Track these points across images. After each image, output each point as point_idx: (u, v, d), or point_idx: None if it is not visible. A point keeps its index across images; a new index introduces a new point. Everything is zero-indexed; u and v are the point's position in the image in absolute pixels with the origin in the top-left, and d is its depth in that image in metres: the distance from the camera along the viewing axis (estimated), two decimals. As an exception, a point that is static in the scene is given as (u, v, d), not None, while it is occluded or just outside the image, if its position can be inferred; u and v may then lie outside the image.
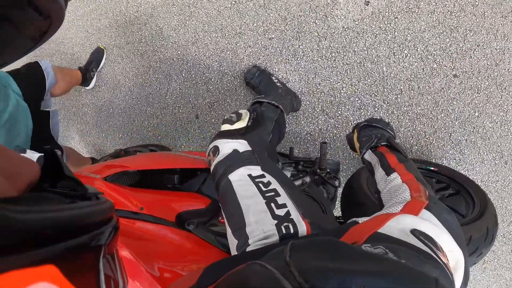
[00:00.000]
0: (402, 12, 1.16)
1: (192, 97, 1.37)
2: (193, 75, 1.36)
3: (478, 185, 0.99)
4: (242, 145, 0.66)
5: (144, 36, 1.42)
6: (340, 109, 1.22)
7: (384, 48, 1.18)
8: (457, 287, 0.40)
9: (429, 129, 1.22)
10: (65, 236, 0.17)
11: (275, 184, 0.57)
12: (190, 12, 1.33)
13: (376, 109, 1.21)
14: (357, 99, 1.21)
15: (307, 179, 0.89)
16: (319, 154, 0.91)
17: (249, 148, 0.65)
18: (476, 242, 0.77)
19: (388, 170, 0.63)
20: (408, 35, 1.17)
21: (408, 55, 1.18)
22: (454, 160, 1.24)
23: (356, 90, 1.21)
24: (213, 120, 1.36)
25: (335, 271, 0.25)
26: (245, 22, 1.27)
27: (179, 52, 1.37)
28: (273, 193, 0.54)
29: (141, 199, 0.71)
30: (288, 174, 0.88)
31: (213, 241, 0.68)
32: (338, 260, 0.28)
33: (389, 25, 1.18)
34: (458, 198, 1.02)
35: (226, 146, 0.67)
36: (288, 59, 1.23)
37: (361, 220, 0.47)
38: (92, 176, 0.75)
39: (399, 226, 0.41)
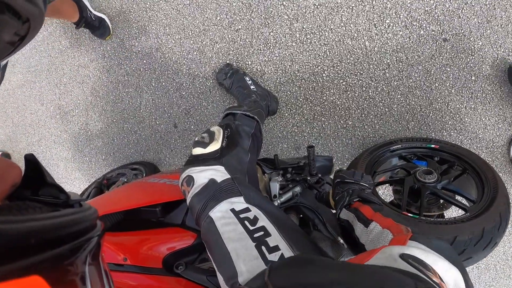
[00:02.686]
0: None
1: (167, 106, 1.19)
2: (163, 83, 1.18)
3: (484, 161, 0.83)
4: (219, 173, 0.55)
5: (106, 50, 1.23)
6: (325, 95, 1.03)
7: (363, 21, 0.99)
8: None
9: (424, 101, 1.04)
10: (49, 245, 0.16)
11: (263, 220, 0.47)
12: (149, 16, 1.14)
13: (364, 88, 1.02)
14: (341, 81, 1.02)
15: (298, 189, 0.73)
16: (307, 157, 0.74)
17: (228, 176, 0.54)
18: (489, 234, 0.65)
19: (366, 222, 0.55)
20: (388, 2, 0.97)
21: (391, 24, 0.99)
22: (455, 130, 1.06)
23: (339, 71, 1.02)
24: (192, 127, 1.18)
25: (305, 285, 0.26)
26: (207, 17, 1.07)
27: (144, 61, 1.18)
28: (262, 233, 0.46)
29: (124, 246, 0.60)
30: (277, 185, 0.72)
31: (204, 282, 0.57)
32: (314, 273, 0.28)
33: (365, -7, 0.97)
34: (466, 179, 0.86)
35: (202, 176, 0.55)
36: (260, 49, 1.04)
37: (348, 258, 0.43)
38: None
39: (386, 255, 0.37)
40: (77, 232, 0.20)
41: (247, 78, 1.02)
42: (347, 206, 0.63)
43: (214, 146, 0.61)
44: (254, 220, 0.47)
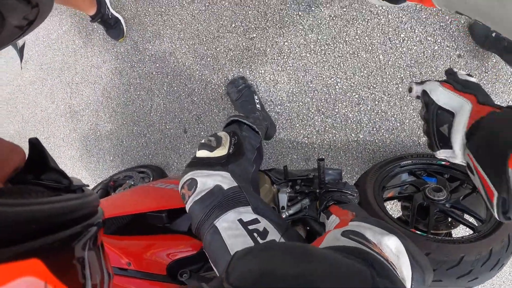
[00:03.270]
0: None
1: (178, 111, 1.18)
2: (175, 88, 1.17)
3: None
4: (226, 180, 0.51)
5: (119, 52, 1.22)
6: (337, 107, 1.02)
7: (378, 34, 0.97)
8: (406, 269, 0.37)
9: (435, 117, 1.01)
10: (50, 229, 0.16)
11: (272, 233, 0.44)
12: (163, 20, 1.12)
13: (376, 102, 1.01)
14: (354, 93, 1.00)
15: (307, 201, 0.72)
16: (317, 170, 0.73)
17: (235, 184, 0.51)
18: (497, 255, 0.64)
19: (329, 216, 0.56)
20: (403, 17, 0.96)
21: (406, 38, 0.97)
22: (465, 147, 1.03)
23: (352, 84, 1.00)
24: (202, 133, 1.16)
25: (258, 272, 0.25)
26: (222, 24, 1.06)
27: (157, 65, 1.17)
28: None
29: (129, 251, 0.58)
30: (285, 196, 0.70)
31: None
32: (272, 261, 0.28)
33: (381, 7, 0.96)
34: (475, 198, 0.84)
35: (206, 181, 0.51)
36: (274, 59, 1.03)
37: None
38: None
39: (331, 237, 0.39)
40: (79, 218, 0.19)
41: (256, 97, 1.01)
42: (324, 210, 0.62)
43: (221, 152, 0.58)
44: (264, 233, 0.44)
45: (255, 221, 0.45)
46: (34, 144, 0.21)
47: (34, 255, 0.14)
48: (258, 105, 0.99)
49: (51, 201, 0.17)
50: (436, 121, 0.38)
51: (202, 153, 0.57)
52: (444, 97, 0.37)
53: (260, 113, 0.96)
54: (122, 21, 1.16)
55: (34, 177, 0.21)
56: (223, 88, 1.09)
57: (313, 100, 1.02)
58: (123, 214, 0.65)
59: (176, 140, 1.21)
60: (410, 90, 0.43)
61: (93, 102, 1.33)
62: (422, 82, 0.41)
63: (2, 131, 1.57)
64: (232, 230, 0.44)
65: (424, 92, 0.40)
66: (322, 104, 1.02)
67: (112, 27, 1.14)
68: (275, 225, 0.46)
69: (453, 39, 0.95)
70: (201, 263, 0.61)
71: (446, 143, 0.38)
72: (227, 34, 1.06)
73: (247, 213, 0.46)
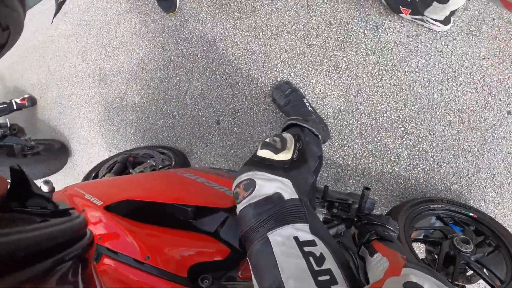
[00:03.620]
0: (462, 33, 0.91)
1: (215, 100, 1.13)
2: (218, 76, 1.11)
3: None
4: (287, 189, 0.47)
5: (167, 26, 1.16)
6: (380, 135, 0.98)
7: (438, 72, 0.94)
8: None
9: (473, 167, 0.99)
10: (39, 256, 0.16)
11: (329, 260, 0.40)
12: (221, 4, 1.07)
13: (420, 139, 0.97)
14: (400, 125, 0.97)
15: (343, 227, 0.69)
16: (360, 198, 0.69)
17: (296, 196, 0.47)
18: None
19: (373, 254, 0.53)
20: (466, 61, 0.93)
21: (463, 83, 0.94)
22: (493, 204, 1.02)
23: (401, 115, 0.97)
24: (235, 128, 1.12)
25: None
26: (282, 23, 1.01)
27: (204, 48, 1.11)
28: (328, 277, 0.39)
29: (149, 242, 0.53)
30: (321, 217, 0.68)
31: None
32: None
33: (446, 46, 0.93)
34: (498, 256, 0.83)
35: (266, 185, 0.48)
36: (329, 71, 0.99)
37: None
38: (93, 201, 0.57)
39: (391, 286, 0.37)
40: (67, 242, 0.19)
41: (305, 100, 0.96)
42: (365, 244, 0.60)
43: (285, 156, 0.53)
44: (320, 259, 0.40)
45: (312, 243, 0.41)
46: (16, 170, 0.21)
47: (26, 284, 0.14)
48: (310, 108, 0.94)
49: (37, 228, 0.17)
50: None
51: (265, 153, 0.53)
52: None
53: (316, 116, 0.91)
54: None
55: (18, 204, 0.21)
56: (269, 88, 1.05)
57: (358, 122, 0.99)
58: (152, 200, 0.60)
59: (206, 129, 1.16)
60: None
61: (126, 70, 1.27)
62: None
63: (25, 78, 1.49)
64: (286, 247, 0.41)
65: None
66: (366, 128, 0.99)
67: None
68: (332, 251, 0.42)
69: (507, 94, 0.93)
70: (224, 271, 0.56)
71: None
72: (286, 34, 1.01)
73: (304, 232, 0.43)
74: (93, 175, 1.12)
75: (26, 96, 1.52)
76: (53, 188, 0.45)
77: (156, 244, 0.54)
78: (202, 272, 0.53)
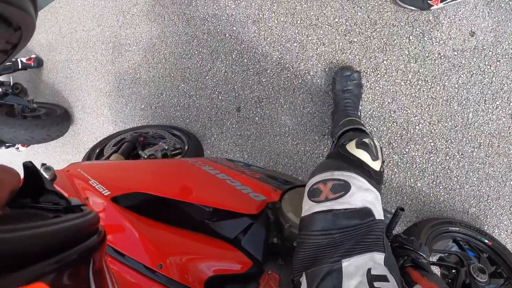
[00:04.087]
0: (507, 56, 0.86)
1: (238, 85, 1.04)
2: (245, 60, 1.03)
3: None
4: (377, 205, 0.41)
5: (196, -2, 1.06)
6: (409, 147, 0.92)
7: (477, 92, 0.89)
8: None
9: (493, 193, 0.96)
10: (52, 252, 0.16)
11: None
12: (260, -17, 0.97)
13: (448, 157, 0.92)
14: (430, 141, 0.92)
15: None
16: (392, 217, 0.64)
17: (382, 217, 0.40)
18: None
19: (410, 285, 0.46)
20: (505, 85, 0.88)
21: (499, 107, 0.89)
22: (506, 232, 0.99)
23: (433, 130, 0.91)
24: (256, 118, 1.04)
25: None
26: (324, 14, 0.92)
27: (234, 28, 1.02)
28: None
29: (163, 248, 0.46)
30: None
31: None
32: None
33: (489, 67, 0.87)
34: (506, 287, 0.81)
35: (360, 195, 0.40)
36: (366, 73, 0.92)
37: None
38: (99, 189, 0.50)
39: None
40: (80, 238, 0.19)
41: (360, 102, 0.89)
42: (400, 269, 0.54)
43: (377, 165, 0.46)
44: None
45: (384, 278, 0.35)
46: (28, 167, 0.21)
47: (38, 279, 0.14)
48: (359, 113, 0.87)
49: (52, 223, 0.17)
50: None
51: (364, 156, 0.45)
52: None
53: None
54: None
55: (31, 200, 0.21)
56: (300, 81, 0.97)
57: (389, 131, 0.93)
58: (172, 197, 0.52)
59: (224, 114, 1.08)
60: None
61: (144, 40, 1.17)
62: None
63: (34, 37, 1.36)
64: (356, 281, 0.35)
65: None
66: (395, 138, 0.93)
67: None
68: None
69: (543, 124, 0.88)
70: (242, 284, 0.49)
71: None
72: (326, 26, 0.93)
73: (378, 264, 0.36)
74: (97, 151, 1.02)
75: (33, 56, 1.40)
76: (55, 176, 0.37)
77: (171, 251, 0.46)
78: (220, 286, 0.46)
